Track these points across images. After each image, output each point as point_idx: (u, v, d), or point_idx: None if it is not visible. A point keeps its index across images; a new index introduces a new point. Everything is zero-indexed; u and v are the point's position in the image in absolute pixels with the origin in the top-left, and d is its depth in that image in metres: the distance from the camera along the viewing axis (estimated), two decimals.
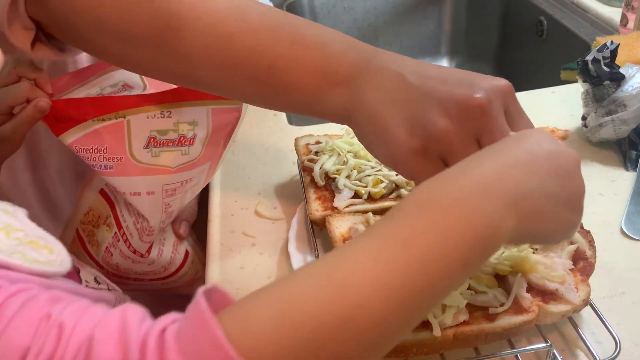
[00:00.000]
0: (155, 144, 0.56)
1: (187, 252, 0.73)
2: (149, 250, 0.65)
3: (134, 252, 0.64)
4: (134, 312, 0.34)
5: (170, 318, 0.34)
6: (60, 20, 0.49)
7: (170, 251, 0.69)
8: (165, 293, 0.77)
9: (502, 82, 0.44)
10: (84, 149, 0.55)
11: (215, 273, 0.65)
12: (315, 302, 0.33)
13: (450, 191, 0.36)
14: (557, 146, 0.40)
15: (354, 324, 0.32)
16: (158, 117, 0.56)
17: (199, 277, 0.76)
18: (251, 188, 0.78)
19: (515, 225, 0.36)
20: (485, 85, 0.43)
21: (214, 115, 0.59)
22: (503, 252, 0.54)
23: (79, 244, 0.66)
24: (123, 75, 0.61)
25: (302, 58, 0.45)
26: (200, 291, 0.34)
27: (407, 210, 0.36)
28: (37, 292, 0.35)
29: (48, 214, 0.75)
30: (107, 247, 0.64)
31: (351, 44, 0.47)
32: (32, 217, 0.78)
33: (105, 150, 0.55)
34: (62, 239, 0.68)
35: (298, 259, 0.63)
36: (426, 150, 0.42)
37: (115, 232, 0.63)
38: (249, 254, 0.68)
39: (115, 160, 0.55)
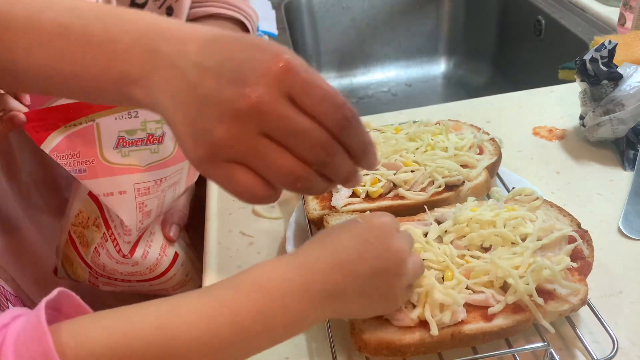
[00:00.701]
0: (125, 144, 0.58)
1: (176, 254, 0.73)
2: (132, 251, 0.65)
3: (119, 252, 0.65)
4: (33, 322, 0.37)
5: (16, 312, 0.38)
6: None
7: (157, 253, 0.69)
8: (155, 294, 0.77)
9: (277, 63, 0.39)
10: (60, 155, 0.57)
11: (212, 272, 0.65)
12: (145, 344, 0.39)
13: (282, 285, 0.43)
14: (386, 243, 0.45)
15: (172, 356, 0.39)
16: (125, 118, 0.57)
17: (190, 279, 0.77)
18: None
19: (326, 315, 0.45)
20: (254, 75, 0.39)
21: None
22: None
23: (71, 245, 0.67)
24: None
25: (96, 61, 0.43)
26: (43, 301, 0.37)
27: (244, 289, 0.42)
28: None
29: (30, 219, 0.75)
30: (95, 247, 0.65)
31: (142, 34, 0.43)
32: (15, 223, 0.77)
33: (78, 155, 0.57)
34: (57, 242, 0.69)
35: None
36: (213, 156, 0.40)
37: (104, 233, 0.64)
38: (246, 253, 0.67)
39: (88, 163, 0.57)
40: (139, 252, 0.66)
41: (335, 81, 1.51)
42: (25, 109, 0.57)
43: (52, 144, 0.56)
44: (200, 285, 0.79)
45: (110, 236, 0.64)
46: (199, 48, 0.41)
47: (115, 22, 0.44)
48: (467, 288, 0.52)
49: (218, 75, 0.40)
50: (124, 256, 0.65)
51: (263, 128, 0.40)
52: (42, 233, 0.78)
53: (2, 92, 0.57)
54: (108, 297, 0.79)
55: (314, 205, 0.65)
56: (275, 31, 1.23)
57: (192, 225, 0.81)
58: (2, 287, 0.63)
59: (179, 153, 0.61)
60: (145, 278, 0.70)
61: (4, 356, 0.35)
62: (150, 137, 0.59)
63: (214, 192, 0.78)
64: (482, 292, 0.51)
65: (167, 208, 0.69)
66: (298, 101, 0.40)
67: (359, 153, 0.43)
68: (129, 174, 0.59)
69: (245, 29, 0.91)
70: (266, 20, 1.24)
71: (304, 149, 0.40)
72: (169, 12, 0.83)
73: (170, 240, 0.71)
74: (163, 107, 0.42)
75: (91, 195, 0.63)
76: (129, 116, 0.57)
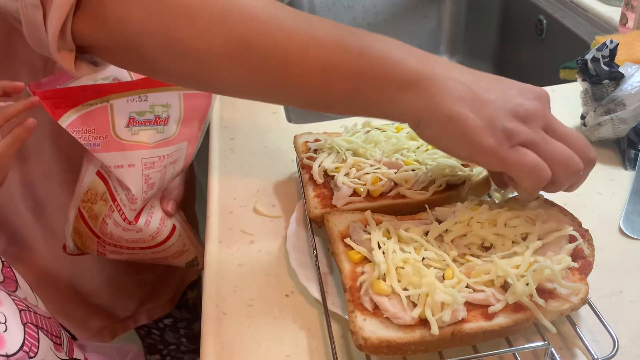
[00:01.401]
0: (135, 123, 0.66)
1: (174, 227, 0.80)
2: (136, 218, 0.73)
3: (124, 219, 0.73)
4: None
5: None
6: (119, 42, 0.50)
7: (157, 223, 0.77)
8: (156, 262, 0.86)
9: (543, 90, 0.54)
10: (77, 130, 0.63)
11: (213, 270, 0.66)
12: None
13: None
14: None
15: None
16: (136, 101, 0.65)
17: (187, 249, 0.85)
18: (250, 186, 0.78)
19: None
20: (534, 92, 0.53)
21: (185, 99, 0.68)
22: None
23: (81, 220, 0.75)
24: (113, 70, 0.69)
25: (368, 66, 0.50)
26: None
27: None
28: None
29: (33, 214, 0.82)
30: (103, 219, 0.73)
31: (407, 50, 0.51)
32: (18, 218, 0.82)
33: (93, 131, 0.64)
34: (66, 219, 0.77)
35: (297, 256, 0.63)
36: (508, 140, 0.50)
37: (110, 205, 0.72)
38: (247, 252, 0.68)
39: (102, 138, 0.64)
40: (142, 220, 0.74)
41: None
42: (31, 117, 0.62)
43: (68, 119, 0.63)
44: (195, 257, 0.88)
45: (116, 207, 0.72)
46: (471, 71, 0.53)
47: (380, 38, 0.51)
48: (467, 287, 0.52)
49: (502, 89, 0.52)
50: (129, 222, 0.73)
51: (541, 125, 0.51)
52: (43, 228, 0.85)
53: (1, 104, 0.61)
54: (114, 267, 0.90)
55: (314, 204, 0.65)
56: None
57: (187, 210, 0.91)
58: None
59: (181, 134, 0.69)
60: (147, 245, 0.78)
61: None
62: (157, 118, 0.67)
63: (215, 191, 0.78)
64: (482, 291, 0.51)
65: (167, 183, 0.76)
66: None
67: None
68: (137, 150, 0.66)
69: None
70: None
71: (574, 148, 0.52)
72: None
73: (168, 214, 0.79)
74: (443, 108, 0.49)
75: (99, 174, 0.71)
76: (139, 100, 0.65)
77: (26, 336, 0.43)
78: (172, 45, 0.49)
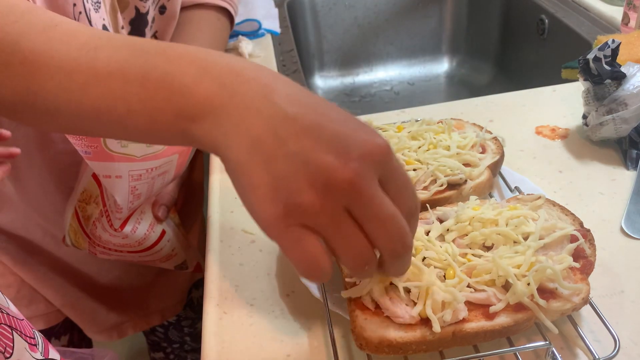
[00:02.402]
0: None
1: (163, 232, 0.81)
2: (122, 226, 0.75)
3: (111, 226, 0.74)
4: None
5: None
6: None
7: (145, 229, 0.78)
8: (144, 264, 0.88)
9: (378, 144, 0.39)
10: (72, 135, 0.64)
11: (214, 270, 0.66)
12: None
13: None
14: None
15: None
16: None
17: (176, 253, 0.86)
18: None
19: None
20: (358, 151, 0.38)
21: None
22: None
23: (76, 218, 0.76)
24: None
25: (154, 96, 0.41)
26: None
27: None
28: None
29: (33, 219, 0.84)
30: (94, 221, 0.75)
31: (207, 68, 0.41)
32: (19, 222, 0.82)
33: (85, 139, 0.64)
34: (65, 214, 0.77)
35: None
36: (290, 217, 0.39)
37: (101, 209, 0.73)
38: (248, 251, 0.68)
39: (92, 147, 0.65)
40: (128, 228, 0.75)
41: (337, 80, 1.51)
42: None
43: None
44: (184, 260, 0.90)
45: (105, 212, 0.73)
46: (287, 100, 0.40)
47: (179, 55, 0.42)
48: (468, 286, 0.52)
49: (317, 138, 0.38)
50: (115, 230, 0.74)
51: (350, 205, 0.39)
52: (47, 234, 0.86)
53: None
54: (104, 264, 0.91)
55: None
56: (278, 30, 1.23)
57: (185, 209, 0.91)
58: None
59: (170, 148, 0.69)
60: (134, 250, 0.79)
61: None
62: None
63: (216, 190, 0.78)
64: (483, 290, 0.51)
65: (157, 192, 0.77)
66: (385, 186, 0.40)
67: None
68: (125, 162, 0.67)
69: (229, 16, 0.94)
70: (269, 18, 1.24)
71: (383, 235, 0.40)
72: (162, 10, 0.84)
73: (158, 220, 0.80)
74: (233, 150, 0.39)
75: (94, 176, 0.72)
76: None
77: (0, 337, 0.43)
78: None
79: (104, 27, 0.73)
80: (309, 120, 0.39)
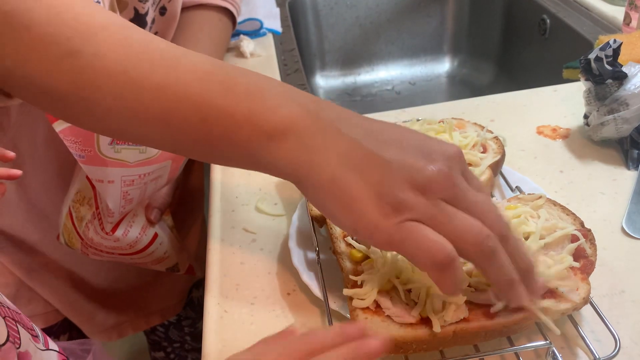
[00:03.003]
0: (118, 142, 0.66)
1: (155, 234, 0.81)
2: (113, 230, 0.75)
3: (102, 229, 0.75)
4: None
5: None
6: None
7: (137, 232, 0.78)
8: (136, 266, 0.88)
9: (455, 149, 0.44)
10: (67, 138, 0.65)
11: (215, 269, 0.66)
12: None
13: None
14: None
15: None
16: None
17: (167, 256, 0.86)
18: (252, 184, 0.78)
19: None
20: (441, 153, 0.43)
21: None
22: None
23: (70, 218, 0.77)
24: None
25: (234, 109, 0.42)
26: None
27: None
28: None
29: (32, 220, 0.84)
30: (86, 223, 0.75)
31: (288, 93, 0.43)
32: (18, 223, 0.82)
33: (80, 143, 0.65)
34: (60, 213, 0.78)
35: (299, 255, 0.63)
36: (400, 215, 0.41)
37: (94, 212, 0.74)
38: (249, 250, 0.68)
39: (86, 152, 0.65)
40: (119, 232, 0.76)
41: (339, 79, 1.51)
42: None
43: (61, 126, 0.64)
44: (176, 263, 0.90)
45: (97, 215, 0.74)
46: (363, 119, 0.44)
47: (257, 75, 0.44)
48: (469, 286, 0.52)
49: (401, 146, 0.42)
50: (106, 233, 0.75)
51: (447, 197, 0.41)
52: (44, 232, 0.86)
53: None
54: (103, 265, 0.91)
55: None
56: (279, 29, 1.23)
57: (183, 210, 0.93)
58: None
59: (163, 154, 0.70)
60: (125, 252, 0.80)
61: None
62: None
63: (217, 189, 0.78)
64: (484, 290, 0.51)
65: (149, 196, 0.78)
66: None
67: (522, 267, 0.44)
68: (118, 167, 0.67)
69: (231, 16, 0.94)
70: (270, 18, 1.25)
71: (485, 219, 0.42)
72: (162, 11, 0.84)
73: (151, 222, 0.80)
74: (322, 167, 0.41)
75: (88, 178, 0.72)
76: None
77: (8, 329, 0.44)
78: (27, 80, 0.45)
79: None
80: (388, 134, 0.43)
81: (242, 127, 0.42)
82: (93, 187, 0.73)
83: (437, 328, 0.48)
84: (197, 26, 0.90)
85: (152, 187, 0.74)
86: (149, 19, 0.81)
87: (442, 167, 0.41)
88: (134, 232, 0.78)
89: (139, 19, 0.79)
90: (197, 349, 1.24)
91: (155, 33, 0.87)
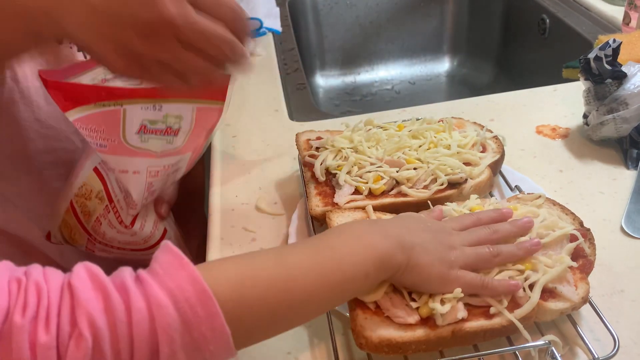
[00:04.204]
0: (146, 131, 0.65)
1: (165, 230, 0.80)
2: (132, 223, 0.74)
3: (120, 222, 0.73)
4: (95, 266, 0.41)
5: (128, 269, 0.42)
6: None
7: (151, 227, 0.77)
8: (144, 264, 0.83)
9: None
10: (84, 127, 0.63)
11: None
12: (270, 271, 0.46)
13: (362, 229, 0.52)
14: (423, 217, 0.56)
15: (289, 293, 0.46)
16: (150, 109, 0.64)
17: None
18: (252, 183, 0.78)
19: (402, 260, 0.49)
20: None
21: (198, 113, 0.67)
22: None
23: (72, 214, 0.74)
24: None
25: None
26: (164, 243, 0.43)
27: (336, 231, 0.53)
28: None
29: (14, 247, 0.82)
30: (97, 217, 0.73)
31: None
32: (14, 221, 0.81)
33: (102, 131, 0.63)
34: (55, 209, 0.75)
35: None
36: (137, 62, 0.49)
37: (107, 205, 0.72)
38: (249, 249, 0.68)
39: (110, 141, 0.64)
40: (137, 224, 0.74)
41: (339, 79, 1.51)
42: None
43: (77, 115, 0.62)
44: None
45: (112, 208, 0.72)
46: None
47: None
48: None
49: None
50: (125, 226, 0.73)
51: (176, 34, 0.47)
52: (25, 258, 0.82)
53: None
54: (102, 265, 0.83)
55: (316, 202, 0.65)
56: (279, 28, 1.23)
57: (180, 210, 0.89)
58: None
59: (187, 145, 0.69)
60: (139, 248, 0.78)
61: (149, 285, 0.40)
62: (169, 129, 0.66)
63: (217, 188, 0.78)
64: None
65: (166, 188, 0.77)
66: (199, 6, 0.48)
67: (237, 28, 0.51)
68: (145, 157, 0.66)
69: None
70: (270, 17, 1.24)
71: (211, 49, 0.49)
72: None
73: (161, 217, 0.79)
74: (74, 34, 0.48)
75: (96, 170, 0.71)
76: (154, 108, 0.64)
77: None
78: None
79: None
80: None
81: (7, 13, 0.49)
82: (102, 179, 0.71)
83: (440, 321, 0.48)
84: None
85: (171, 180, 0.73)
86: None
87: (166, 4, 0.46)
88: (149, 226, 0.77)
89: None
90: None
91: None
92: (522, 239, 0.55)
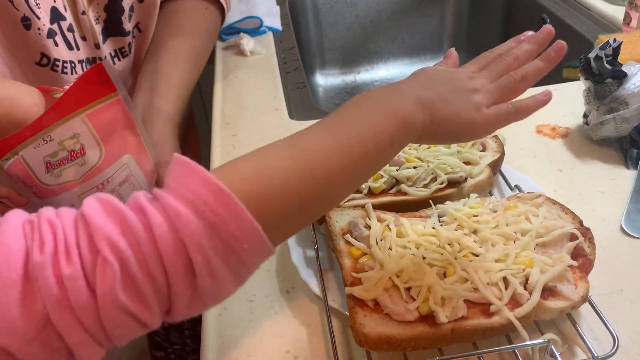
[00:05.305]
0: (53, 166, 0.61)
1: None
2: None
3: None
4: (107, 194, 0.40)
5: (142, 192, 0.41)
6: None
7: None
8: None
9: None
10: (11, 179, 0.61)
11: None
12: (285, 159, 0.44)
13: (376, 97, 0.49)
14: (439, 68, 0.55)
15: (311, 177, 0.43)
16: (43, 145, 0.60)
17: None
18: None
19: (425, 118, 0.48)
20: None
21: (92, 119, 0.62)
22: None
23: None
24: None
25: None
26: (174, 156, 0.41)
27: (349, 105, 0.49)
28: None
29: None
30: None
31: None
32: None
33: (22, 181, 0.61)
34: None
35: (298, 252, 0.63)
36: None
37: None
38: None
39: (33, 187, 0.61)
40: None
41: (339, 78, 1.51)
42: None
43: (6, 163, 0.60)
44: None
45: None
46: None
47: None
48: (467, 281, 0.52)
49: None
50: None
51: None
52: None
53: None
54: None
55: None
56: (279, 27, 1.23)
57: None
58: None
59: (110, 153, 0.64)
60: None
61: (164, 198, 0.38)
62: (73, 153, 0.62)
63: None
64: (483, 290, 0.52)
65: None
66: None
67: None
68: (69, 190, 0.63)
69: (219, 5, 0.92)
70: (271, 16, 1.24)
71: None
72: None
73: None
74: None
75: None
76: (44, 142, 0.60)
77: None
78: None
79: (54, 9, 0.70)
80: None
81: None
82: None
83: (442, 319, 0.48)
84: (182, 16, 0.88)
85: (128, 190, 0.68)
86: (125, 4, 0.79)
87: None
88: None
89: (114, 4, 0.77)
90: (198, 350, 1.23)
91: (137, 23, 0.85)
92: None
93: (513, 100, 0.51)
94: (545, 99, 0.50)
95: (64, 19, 0.72)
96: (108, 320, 0.37)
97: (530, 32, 0.55)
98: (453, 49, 0.58)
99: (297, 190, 0.43)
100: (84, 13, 0.74)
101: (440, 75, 0.52)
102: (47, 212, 0.40)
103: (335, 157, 0.44)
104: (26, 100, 0.60)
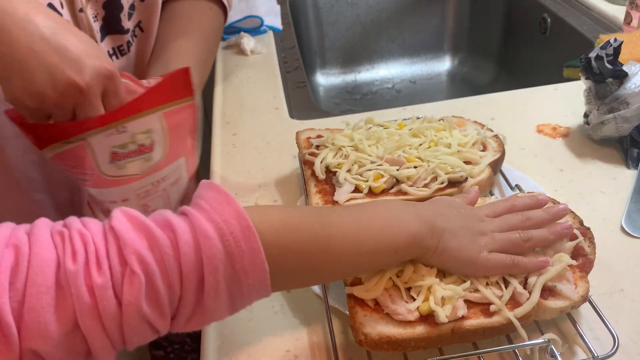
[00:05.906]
0: (119, 157, 0.61)
1: None
2: None
3: None
4: (132, 209, 0.43)
5: (168, 210, 0.45)
6: None
7: None
8: None
9: (104, 65, 0.53)
10: (62, 164, 0.60)
11: None
12: (309, 223, 0.48)
13: (399, 208, 0.53)
14: (458, 202, 0.58)
15: (325, 248, 0.48)
16: (115, 134, 0.60)
17: None
18: (252, 181, 0.78)
19: (432, 243, 0.51)
20: (89, 68, 0.52)
21: (167, 119, 0.63)
22: None
23: None
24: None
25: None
26: (205, 182, 0.46)
27: (374, 206, 0.54)
28: (28, 226, 0.42)
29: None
30: None
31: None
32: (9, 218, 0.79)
33: (78, 167, 0.60)
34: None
35: None
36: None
37: None
38: None
39: (88, 175, 0.60)
40: None
41: (339, 77, 1.51)
42: None
43: (51, 152, 0.59)
44: None
45: None
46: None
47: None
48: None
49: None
50: None
51: (76, 105, 0.55)
52: None
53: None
54: None
55: (316, 200, 0.65)
56: (280, 26, 1.23)
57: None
58: None
59: (171, 154, 0.64)
60: None
61: (196, 219, 0.42)
62: (142, 147, 0.62)
63: None
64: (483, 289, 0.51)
65: (178, 201, 0.72)
66: (104, 98, 0.56)
67: None
68: (128, 184, 0.62)
69: (222, 5, 0.92)
70: (271, 15, 1.24)
71: None
72: None
73: None
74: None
75: (89, 204, 0.67)
76: (118, 132, 0.60)
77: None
78: None
79: (50, 6, 0.68)
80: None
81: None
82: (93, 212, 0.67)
83: (443, 318, 0.48)
84: (185, 17, 0.87)
85: (175, 192, 0.68)
86: (124, 1, 0.79)
87: (81, 80, 0.53)
88: None
89: (113, 2, 0.77)
90: (197, 350, 1.23)
91: (139, 22, 0.85)
92: None
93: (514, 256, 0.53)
94: (542, 266, 0.52)
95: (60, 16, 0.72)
96: (128, 328, 0.40)
97: (545, 196, 0.59)
98: (477, 187, 0.62)
99: (310, 254, 0.48)
100: (81, 10, 0.74)
101: (457, 209, 0.55)
102: (76, 223, 0.42)
103: (349, 242, 0.49)
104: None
